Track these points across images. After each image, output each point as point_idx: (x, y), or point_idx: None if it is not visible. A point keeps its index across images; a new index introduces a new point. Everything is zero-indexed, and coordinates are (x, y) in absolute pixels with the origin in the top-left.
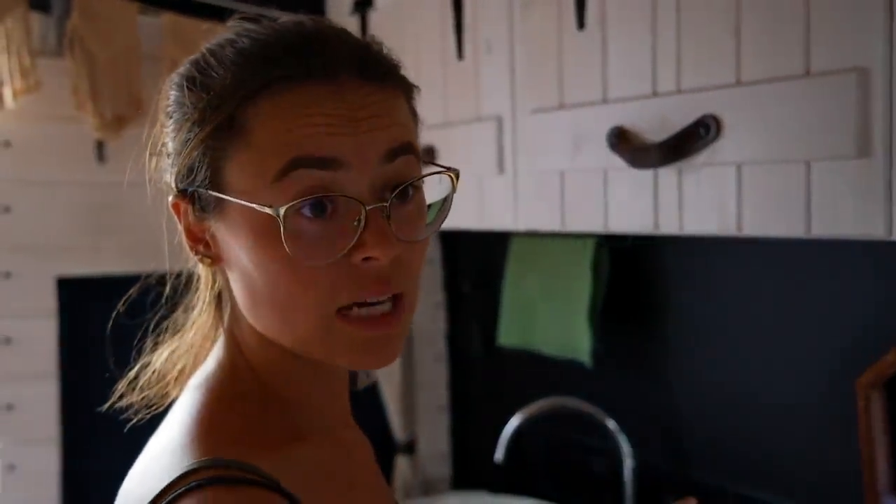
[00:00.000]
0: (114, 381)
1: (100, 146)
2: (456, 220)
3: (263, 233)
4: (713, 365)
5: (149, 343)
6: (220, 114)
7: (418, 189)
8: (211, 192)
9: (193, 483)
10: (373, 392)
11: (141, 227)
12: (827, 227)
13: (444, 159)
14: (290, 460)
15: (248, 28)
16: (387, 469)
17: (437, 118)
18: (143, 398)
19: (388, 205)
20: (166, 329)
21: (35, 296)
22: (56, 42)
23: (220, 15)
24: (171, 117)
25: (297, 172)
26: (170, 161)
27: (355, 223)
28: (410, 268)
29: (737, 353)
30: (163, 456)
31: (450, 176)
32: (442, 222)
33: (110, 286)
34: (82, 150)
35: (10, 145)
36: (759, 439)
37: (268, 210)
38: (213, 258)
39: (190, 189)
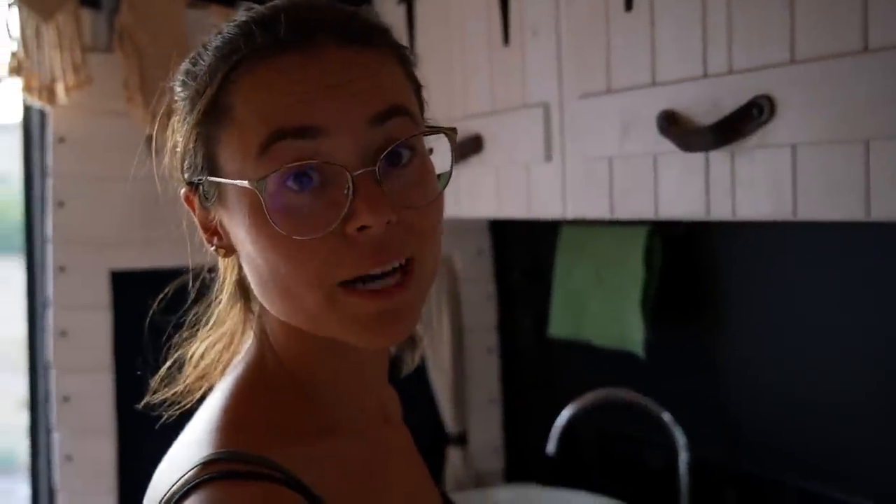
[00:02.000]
0: (157, 374)
1: (150, 140)
2: (504, 209)
3: (255, 211)
4: (771, 354)
5: (182, 338)
6: (205, 98)
7: (417, 152)
8: (209, 179)
9: (206, 476)
10: (423, 384)
11: (192, 221)
12: (887, 209)
13: (490, 147)
14: (313, 455)
15: (237, 15)
16: (438, 461)
17: (483, 106)
18: (178, 392)
19: (377, 169)
20: (199, 323)
21: (89, 289)
22: (106, 37)
23: None
24: (175, 114)
25: (278, 145)
26: (177, 156)
27: (345, 192)
28: (421, 233)
29: (796, 341)
30: (187, 447)
31: (447, 135)
32: (446, 184)
33: (163, 280)
34: (134, 144)
35: (65, 140)
36: (821, 431)
37: (246, 184)
38: (227, 248)
39: (195, 180)
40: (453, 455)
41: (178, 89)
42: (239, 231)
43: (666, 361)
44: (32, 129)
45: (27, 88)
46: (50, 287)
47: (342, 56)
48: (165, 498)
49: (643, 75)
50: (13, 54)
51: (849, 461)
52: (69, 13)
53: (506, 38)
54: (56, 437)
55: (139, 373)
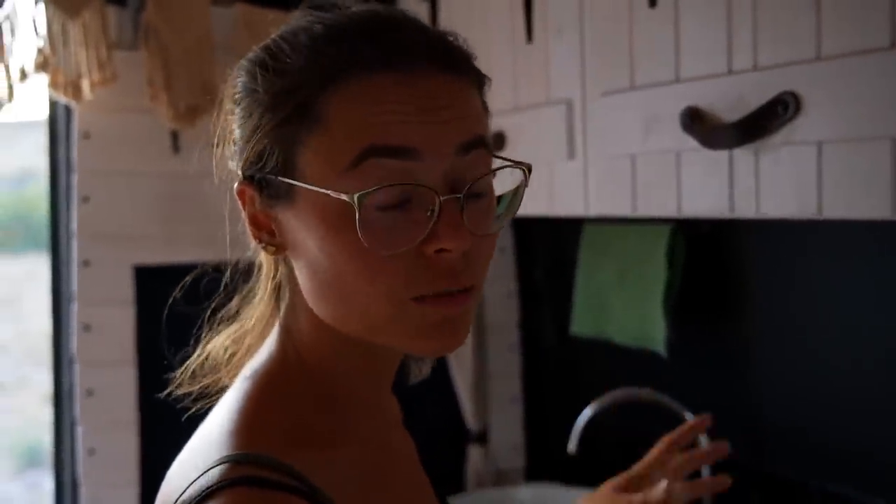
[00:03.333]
0: (181, 367)
1: (175, 137)
2: (526, 206)
3: (335, 221)
4: (795, 355)
5: (207, 332)
6: (295, 99)
7: (489, 184)
8: (282, 179)
9: (226, 481)
10: (445, 381)
11: (216, 217)
12: None
13: (513, 145)
14: (330, 460)
15: (321, 15)
16: (459, 459)
17: (506, 103)
18: (199, 386)
19: (462, 196)
20: (225, 318)
21: (113, 284)
22: (131, 35)
23: (292, 5)
24: (239, 104)
25: (371, 161)
26: (237, 148)
27: (429, 213)
28: (480, 261)
29: (820, 342)
30: (205, 446)
31: (522, 170)
32: (512, 216)
33: (186, 274)
34: (158, 140)
35: (90, 136)
36: (846, 433)
37: (344, 197)
38: (278, 246)
39: (258, 176)
40: (474, 453)
41: (246, 80)
42: (305, 234)
43: (688, 361)
44: (58, 125)
45: (53, 84)
46: (74, 281)
47: (439, 81)
48: (182, 498)
49: (667, 72)
50: (39, 50)
51: (875, 463)
52: (95, 10)
53: (529, 35)
54: (79, 430)
55: (165, 362)
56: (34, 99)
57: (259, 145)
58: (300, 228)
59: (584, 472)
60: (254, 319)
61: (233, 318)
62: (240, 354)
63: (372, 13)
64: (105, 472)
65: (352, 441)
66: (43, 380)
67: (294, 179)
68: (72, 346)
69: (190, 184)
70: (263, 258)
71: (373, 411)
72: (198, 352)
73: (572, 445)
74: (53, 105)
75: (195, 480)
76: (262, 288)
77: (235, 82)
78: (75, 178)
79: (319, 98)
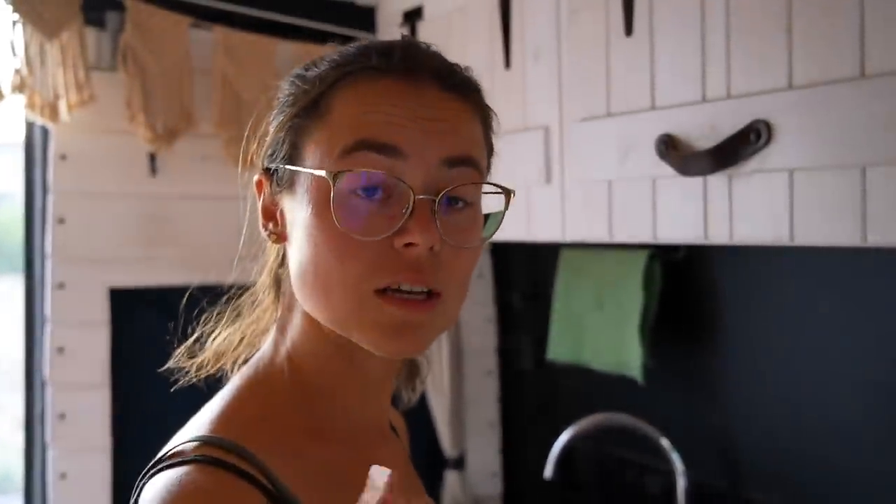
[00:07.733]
0: (166, 387)
1: (152, 159)
2: (503, 231)
3: (320, 203)
4: (770, 381)
5: (211, 321)
6: (308, 96)
7: (473, 204)
8: (287, 167)
9: (182, 459)
10: (422, 406)
11: (192, 239)
12: (883, 235)
13: (490, 169)
14: (298, 455)
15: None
16: (435, 484)
17: None
18: (194, 365)
19: (437, 199)
20: (230, 307)
21: (88, 306)
22: (110, 56)
23: (270, 29)
24: (274, 108)
25: (360, 153)
26: (265, 144)
27: (404, 210)
28: (452, 272)
29: (795, 368)
30: (185, 432)
31: (505, 193)
32: (491, 236)
33: (162, 297)
34: (135, 162)
35: (66, 158)
36: (818, 459)
37: (323, 173)
38: (279, 235)
39: (272, 166)
40: (451, 478)
41: (285, 87)
42: (298, 218)
43: (664, 386)
44: (34, 147)
45: (30, 106)
46: (48, 304)
47: (437, 97)
48: (148, 469)
49: (642, 99)
50: (16, 71)
51: (847, 486)
52: (74, 31)
53: (507, 61)
54: (51, 454)
55: (167, 338)
56: (10, 120)
57: (276, 138)
58: (294, 212)
59: (561, 498)
60: (256, 312)
61: (240, 308)
62: (239, 341)
63: (396, 39)
64: (76, 496)
65: (325, 441)
66: (14, 403)
67: (297, 165)
68: (44, 369)
69: (166, 206)
70: (268, 249)
71: (354, 417)
72: (198, 333)
73: (549, 471)
74: (30, 126)
75: (164, 455)
76: (264, 274)
77: (278, 90)
78: (51, 200)
79: (328, 95)
